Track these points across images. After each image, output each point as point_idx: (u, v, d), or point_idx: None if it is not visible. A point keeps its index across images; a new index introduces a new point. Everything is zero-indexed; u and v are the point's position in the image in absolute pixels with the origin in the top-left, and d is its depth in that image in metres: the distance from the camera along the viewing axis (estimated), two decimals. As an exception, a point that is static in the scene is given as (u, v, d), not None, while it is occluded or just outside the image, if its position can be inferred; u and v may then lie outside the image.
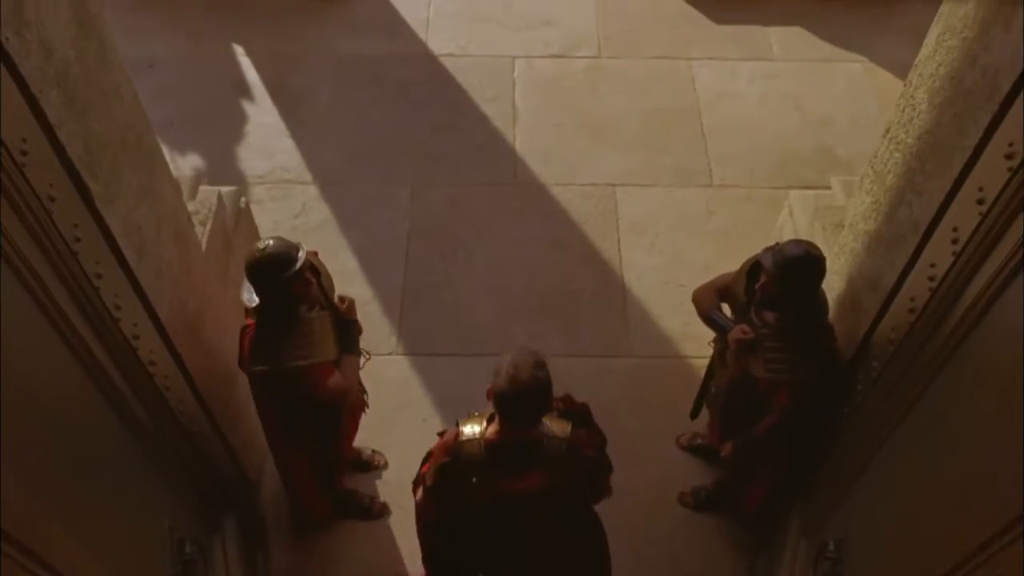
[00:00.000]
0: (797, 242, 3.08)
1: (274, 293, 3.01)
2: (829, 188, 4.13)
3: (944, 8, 2.67)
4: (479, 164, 5.19)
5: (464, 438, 2.62)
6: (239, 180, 5.03)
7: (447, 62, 5.71)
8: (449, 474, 2.64)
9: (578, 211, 4.96)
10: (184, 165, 5.08)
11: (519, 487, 2.58)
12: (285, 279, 2.95)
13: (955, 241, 2.39)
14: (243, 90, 5.59)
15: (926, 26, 2.80)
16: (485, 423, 2.62)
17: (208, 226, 3.55)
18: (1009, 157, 2.11)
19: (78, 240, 2.33)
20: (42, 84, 2.16)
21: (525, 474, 2.58)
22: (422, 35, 5.90)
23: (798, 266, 2.94)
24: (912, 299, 2.65)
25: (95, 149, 2.48)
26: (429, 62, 5.74)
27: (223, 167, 5.13)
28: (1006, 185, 2.12)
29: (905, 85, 2.92)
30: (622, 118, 5.38)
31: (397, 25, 5.97)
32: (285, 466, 3.63)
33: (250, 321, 3.14)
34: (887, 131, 3.04)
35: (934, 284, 2.52)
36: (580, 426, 2.68)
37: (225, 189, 3.92)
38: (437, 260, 4.75)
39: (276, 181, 5.09)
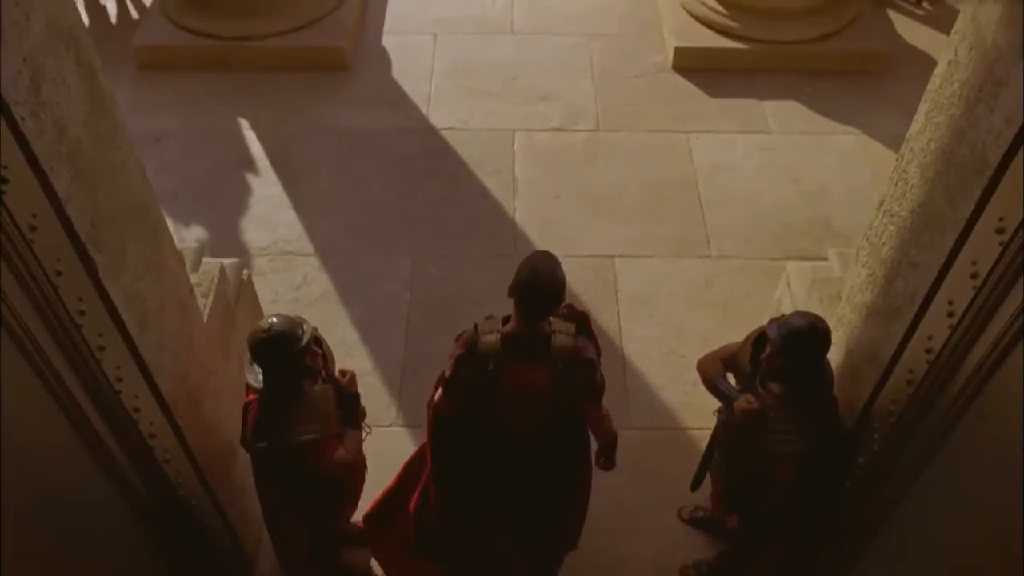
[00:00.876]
0: (803, 314, 3.10)
1: (280, 371, 3.02)
2: (826, 259, 4.17)
3: (932, 86, 2.74)
4: (480, 236, 5.25)
5: (483, 333, 2.91)
6: (242, 251, 5.08)
7: (448, 135, 5.82)
8: (467, 364, 2.91)
9: (578, 282, 4.99)
10: (188, 236, 5.14)
11: (529, 376, 2.88)
12: (292, 356, 2.96)
13: (951, 314, 2.41)
14: (247, 163, 5.69)
15: (916, 100, 2.86)
16: (501, 322, 2.94)
17: (210, 298, 3.57)
18: (1000, 231, 2.15)
19: (82, 313, 2.35)
20: (54, 161, 2.21)
21: (535, 365, 2.87)
22: (424, 109, 6.03)
23: (803, 338, 2.95)
24: (910, 371, 2.67)
25: (102, 223, 2.52)
26: (430, 135, 5.85)
27: (226, 238, 5.19)
28: (998, 259, 2.15)
29: (897, 159, 2.98)
30: (621, 190, 5.46)
31: (399, 100, 6.11)
32: (283, 543, 3.59)
33: (252, 397, 3.14)
34: (881, 204, 3.09)
35: (932, 356, 2.53)
36: (580, 332, 2.97)
37: (228, 261, 3.96)
38: (438, 332, 4.75)
39: (278, 253, 5.14)
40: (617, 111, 6.02)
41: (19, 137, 2.02)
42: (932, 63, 2.81)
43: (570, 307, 3.13)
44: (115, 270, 2.59)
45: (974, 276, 2.30)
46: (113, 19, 6.88)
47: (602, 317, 4.81)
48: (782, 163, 5.70)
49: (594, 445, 3.21)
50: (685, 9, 6.53)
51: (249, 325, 3.99)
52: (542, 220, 5.33)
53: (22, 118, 2.05)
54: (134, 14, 6.91)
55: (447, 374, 2.99)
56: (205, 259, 3.86)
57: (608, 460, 3.21)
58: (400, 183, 5.54)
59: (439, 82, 6.23)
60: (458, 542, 3.46)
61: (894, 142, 3.89)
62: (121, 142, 2.70)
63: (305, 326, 3.02)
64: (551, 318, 2.92)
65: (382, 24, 6.74)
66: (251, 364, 3.13)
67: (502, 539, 3.38)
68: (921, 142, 2.74)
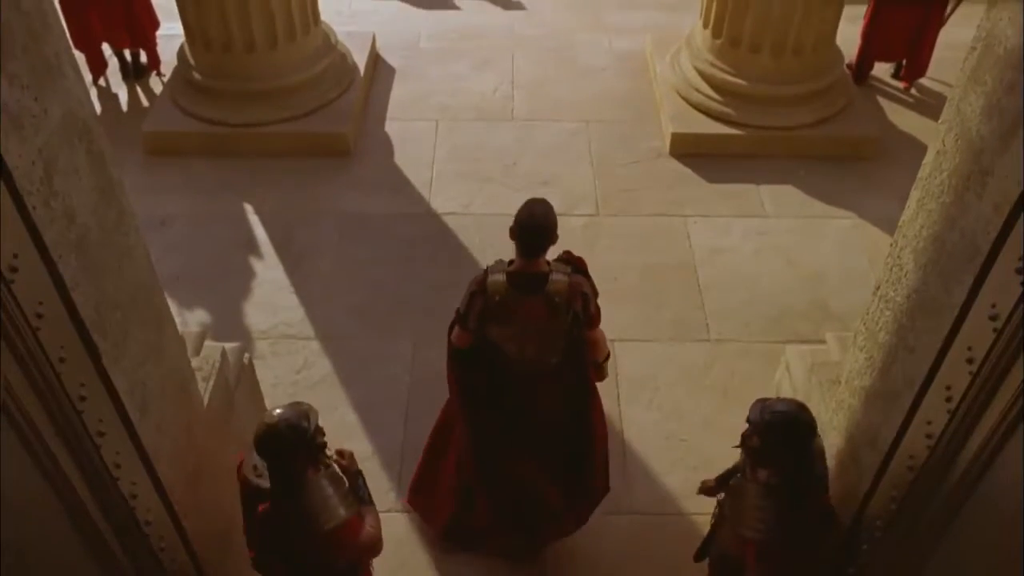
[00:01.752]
0: (788, 400, 3.10)
1: (291, 463, 2.87)
2: (824, 343, 4.20)
3: (922, 174, 2.81)
4: (480, 318, 5.27)
5: (492, 272, 3.40)
6: (243, 335, 5.10)
7: (449, 220, 5.91)
8: (478, 298, 3.40)
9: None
10: (190, 320, 5.17)
11: (530, 306, 3.37)
12: (304, 444, 2.85)
13: (949, 399, 2.43)
14: (250, 246, 5.75)
15: (909, 184, 2.92)
16: (507, 264, 3.40)
17: (211, 382, 3.59)
18: (993, 318, 2.18)
19: (83, 399, 2.36)
20: (62, 249, 2.26)
21: (535, 297, 3.35)
22: (425, 194, 6.13)
23: (779, 422, 2.94)
24: (911, 457, 2.66)
25: (106, 309, 2.56)
26: (432, 220, 5.93)
27: (228, 322, 5.22)
28: (993, 345, 2.17)
29: (891, 245, 3.03)
30: (620, 274, 5.50)
31: (402, 185, 6.21)
32: None
33: (262, 507, 2.98)
34: (877, 289, 3.13)
35: (931, 442, 2.53)
36: (577, 272, 3.45)
37: (229, 345, 3.99)
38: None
39: (279, 336, 5.16)
40: (616, 196, 6.11)
41: (30, 226, 2.07)
42: (923, 147, 2.88)
43: (568, 253, 3.57)
44: (117, 355, 2.61)
45: (970, 361, 2.32)
46: (124, 106, 7.05)
47: (602, 401, 4.79)
48: (779, 246, 5.77)
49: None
50: (681, 96, 6.69)
51: (249, 409, 4.01)
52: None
53: (34, 207, 2.10)
54: (144, 101, 7.08)
55: (462, 309, 3.47)
56: (207, 343, 3.89)
57: (599, 372, 3.70)
58: (401, 267, 5.60)
59: (440, 167, 6.35)
60: (493, 481, 3.89)
61: (889, 225, 3.96)
62: (128, 228, 2.76)
63: (311, 413, 2.91)
64: (551, 260, 3.40)
65: (385, 111, 6.90)
66: (256, 462, 2.99)
67: (529, 470, 3.82)
68: (914, 229, 2.79)
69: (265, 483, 2.98)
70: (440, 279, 5.49)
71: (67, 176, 2.30)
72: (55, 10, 2.36)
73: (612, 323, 5.19)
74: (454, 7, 8.96)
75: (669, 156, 6.47)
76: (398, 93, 7.10)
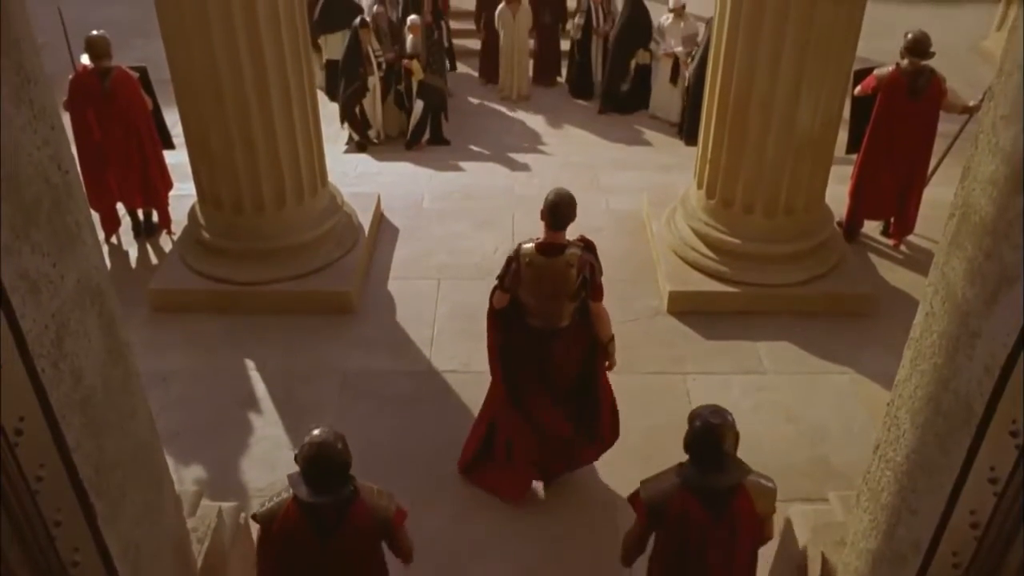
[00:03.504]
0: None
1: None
2: (827, 501, 4.14)
3: (914, 334, 2.86)
4: (480, 479, 5.22)
5: (523, 244, 4.52)
6: (240, 492, 5.03)
7: (450, 378, 5.94)
8: (513, 262, 4.52)
9: (579, 526, 4.92)
10: (187, 476, 5.11)
11: (553, 266, 4.46)
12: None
13: (956, 565, 2.39)
14: (251, 403, 5.76)
15: (903, 339, 2.96)
16: (535, 240, 4.50)
17: (205, 544, 3.53)
18: (993, 481, 2.18)
19: (76, 565, 2.33)
20: (67, 410, 2.28)
21: (555, 260, 4.45)
22: (426, 352, 6.19)
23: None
24: (922, 624, 2.59)
25: (105, 469, 2.55)
26: (432, 378, 5.97)
27: (225, 479, 5.16)
28: (995, 510, 2.16)
29: (888, 404, 3.05)
30: (623, 435, 5.43)
31: (403, 342, 6.28)
32: None
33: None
34: (876, 448, 3.13)
35: (941, 609, 2.48)
36: (587, 251, 4.52)
37: (226, 505, 3.94)
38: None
39: (276, 494, 5.07)
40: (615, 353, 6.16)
41: (38, 388, 2.10)
42: (915, 303, 2.94)
43: (582, 237, 4.61)
44: (114, 516, 2.59)
45: (975, 526, 2.30)
46: (133, 263, 7.23)
47: (602, 560, 4.68)
48: (778, 403, 5.77)
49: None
50: (677, 254, 6.87)
51: (244, 570, 3.92)
52: (542, 460, 5.32)
53: (43, 369, 2.15)
54: (153, 259, 7.27)
55: (500, 274, 4.59)
56: (203, 502, 3.85)
57: (609, 360, 4.81)
58: (401, 425, 5.59)
59: (441, 325, 6.44)
60: (517, 417, 4.87)
61: (887, 380, 3.98)
62: (133, 388, 2.79)
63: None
64: (570, 240, 4.49)
65: (388, 269, 7.07)
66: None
67: (547, 412, 4.82)
68: (908, 388, 2.82)
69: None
70: (440, 437, 5.47)
71: (77, 338, 2.36)
72: (79, 179, 2.49)
73: (613, 482, 5.16)
74: (457, 168, 9.35)
75: (667, 314, 6.57)
76: (401, 252, 7.29)
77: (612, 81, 11.27)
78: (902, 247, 7.41)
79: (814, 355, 6.21)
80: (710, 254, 6.70)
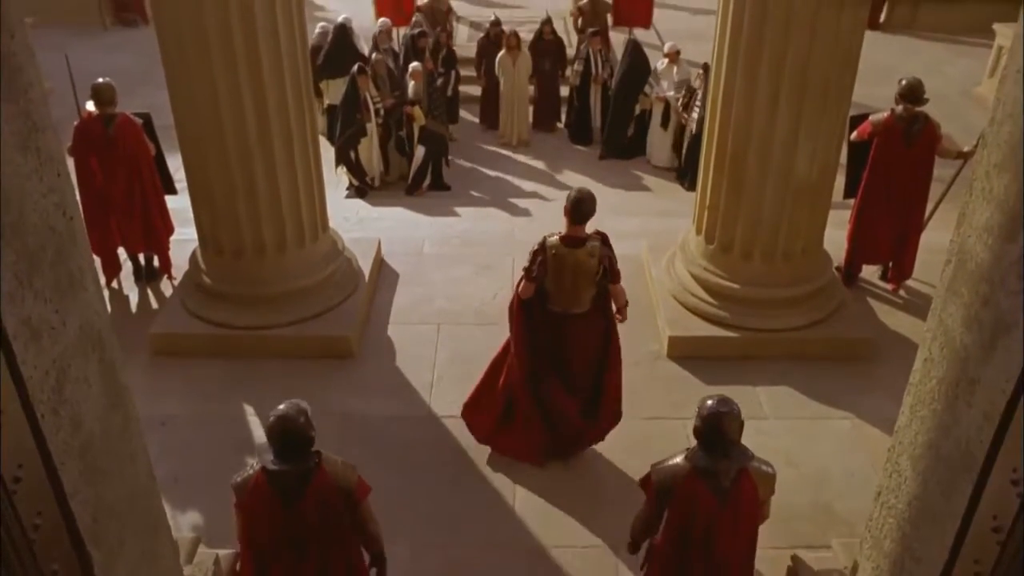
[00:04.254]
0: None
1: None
2: (830, 548, 4.11)
3: (913, 380, 2.87)
4: (479, 526, 5.18)
5: (548, 238, 5.05)
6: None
7: (449, 423, 5.91)
8: (539, 254, 5.03)
9: (578, 573, 4.86)
10: (185, 523, 5.07)
11: (575, 256, 5.02)
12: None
13: (961, 614, 2.37)
14: (249, 448, 5.72)
15: (904, 383, 2.97)
16: (558, 233, 5.03)
17: (202, 592, 3.49)
18: (997, 530, 2.17)
19: (72, 614, 2.30)
20: (65, 456, 2.28)
21: (578, 251, 5.01)
22: (426, 397, 6.17)
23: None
24: (927, 675, 2.56)
25: (103, 516, 2.54)
26: (432, 423, 5.94)
27: (223, 525, 5.05)
28: (999, 558, 2.15)
29: (889, 450, 3.05)
30: (620, 480, 5.43)
31: (402, 387, 6.27)
32: None
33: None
34: (878, 495, 3.11)
35: (948, 659, 2.44)
36: (604, 245, 5.06)
37: (223, 552, 3.91)
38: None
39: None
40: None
41: (37, 435, 2.10)
42: (914, 347, 2.95)
43: (598, 231, 5.11)
44: (111, 565, 2.57)
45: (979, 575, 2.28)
46: (133, 307, 7.24)
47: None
48: (779, 448, 5.73)
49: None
50: (676, 300, 6.88)
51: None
52: (542, 510, 5.28)
53: (43, 415, 2.15)
54: (154, 303, 7.28)
55: (527, 265, 5.07)
56: (201, 548, 3.82)
57: (622, 314, 5.31)
58: (400, 470, 5.55)
59: (441, 371, 6.43)
60: (533, 401, 5.38)
61: (887, 425, 3.97)
62: (132, 435, 2.79)
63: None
64: (588, 234, 5.03)
65: (388, 314, 7.07)
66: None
67: (562, 394, 5.38)
68: (909, 435, 2.82)
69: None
70: (439, 482, 5.44)
71: (77, 384, 2.36)
72: (83, 227, 2.51)
73: (614, 530, 5.10)
74: (457, 214, 9.41)
75: (667, 359, 6.57)
76: (401, 297, 7.30)
77: (615, 127, 11.38)
78: (901, 291, 7.43)
79: (814, 400, 6.19)
80: (709, 299, 6.71)
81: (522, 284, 5.15)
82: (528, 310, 5.23)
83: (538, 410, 5.40)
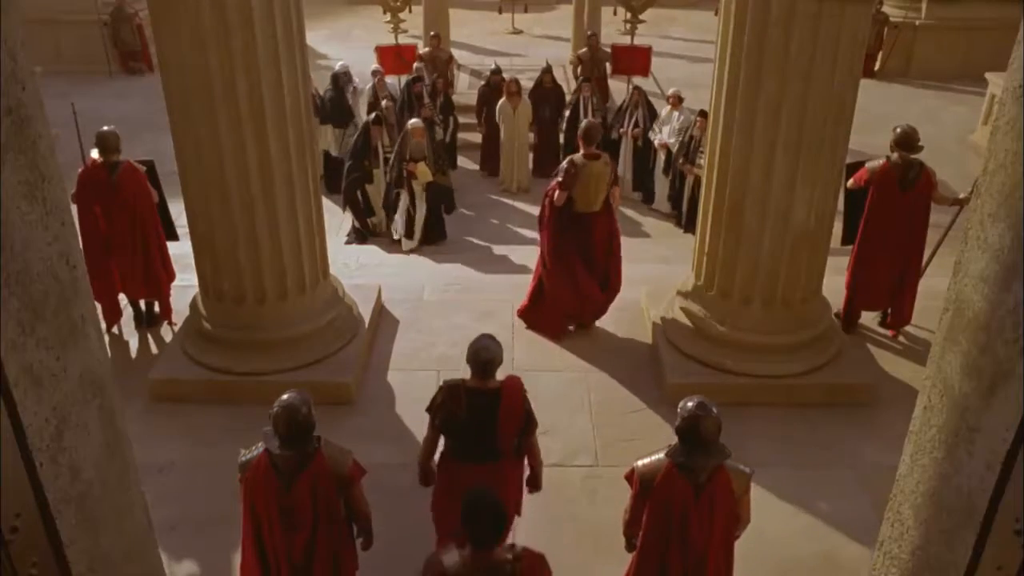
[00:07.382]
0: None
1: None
2: (835, 600, 4.06)
3: (913, 428, 2.86)
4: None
5: (575, 156, 6.85)
6: (234, 589, 4.93)
7: (449, 469, 5.86)
8: (572, 167, 6.73)
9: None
10: (181, 571, 5.03)
11: (594, 167, 6.82)
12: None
13: (966, 666, 2.33)
14: (248, 496, 5.68)
15: (905, 429, 2.95)
16: (581, 152, 6.78)
17: (198, 644, 3.44)
18: (999, 580, 2.15)
19: (66, 667, 2.28)
20: (62, 504, 2.27)
21: (595, 163, 6.77)
22: (425, 442, 6.12)
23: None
24: None
25: (99, 566, 2.52)
26: (431, 469, 5.89)
27: (220, 573, 5.06)
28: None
29: (890, 499, 3.03)
30: (620, 527, 5.39)
31: (402, 434, 6.24)
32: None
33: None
34: (880, 544, 3.09)
35: None
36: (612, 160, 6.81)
37: (219, 601, 3.86)
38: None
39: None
40: (616, 446, 6.12)
41: (35, 484, 2.09)
42: (915, 392, 2.94)
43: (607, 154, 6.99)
44: (106, 616, 2.55)
45: (984, 626, 2.26)
46: (133, 353, 7.24)
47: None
48: (781, 496, 5.70)
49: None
50: (676, 346, 6.87)
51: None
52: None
53: (41, 464, 2.14)
54: (154, 349, 7.28)
55: (560, 177, 6.81)
56: (196, 601, 3.77)
57: (616, 201, 7.26)
58: (399, 517, 5.50)
59: (442, 416, 6.39)
60: (561, 280, 7.17)
61: (889, 472, 3.93)
62: (130, 483, 2.78)
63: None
64: (600, 152, 6.93)
65: (388, 361, 7.07)
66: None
67: (584, 274, 7.14)
68: (910, 483, 2.81)
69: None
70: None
71: (77, 431, 2.36)
72: (86, 274, 2.53)
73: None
74: (457, 260, 9.44)
75: (668, 405, 6.53)
76: (401, 344, 7.30)
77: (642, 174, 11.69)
78: (900, 337, 7.43)
79: (815, 446, 6.16)
80: (709, 345, 6.71)
81: (556, 193, 6.84)
82: (559, 213, 6.92)
83: (567, 283, 7.11)
